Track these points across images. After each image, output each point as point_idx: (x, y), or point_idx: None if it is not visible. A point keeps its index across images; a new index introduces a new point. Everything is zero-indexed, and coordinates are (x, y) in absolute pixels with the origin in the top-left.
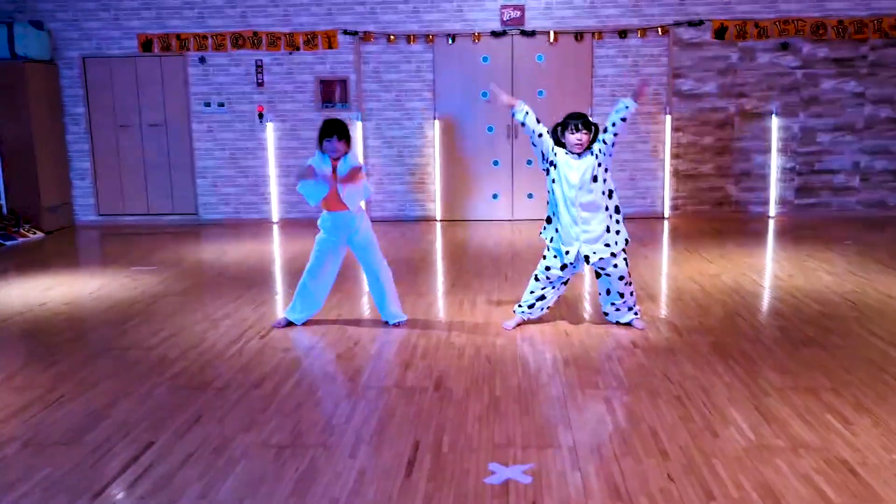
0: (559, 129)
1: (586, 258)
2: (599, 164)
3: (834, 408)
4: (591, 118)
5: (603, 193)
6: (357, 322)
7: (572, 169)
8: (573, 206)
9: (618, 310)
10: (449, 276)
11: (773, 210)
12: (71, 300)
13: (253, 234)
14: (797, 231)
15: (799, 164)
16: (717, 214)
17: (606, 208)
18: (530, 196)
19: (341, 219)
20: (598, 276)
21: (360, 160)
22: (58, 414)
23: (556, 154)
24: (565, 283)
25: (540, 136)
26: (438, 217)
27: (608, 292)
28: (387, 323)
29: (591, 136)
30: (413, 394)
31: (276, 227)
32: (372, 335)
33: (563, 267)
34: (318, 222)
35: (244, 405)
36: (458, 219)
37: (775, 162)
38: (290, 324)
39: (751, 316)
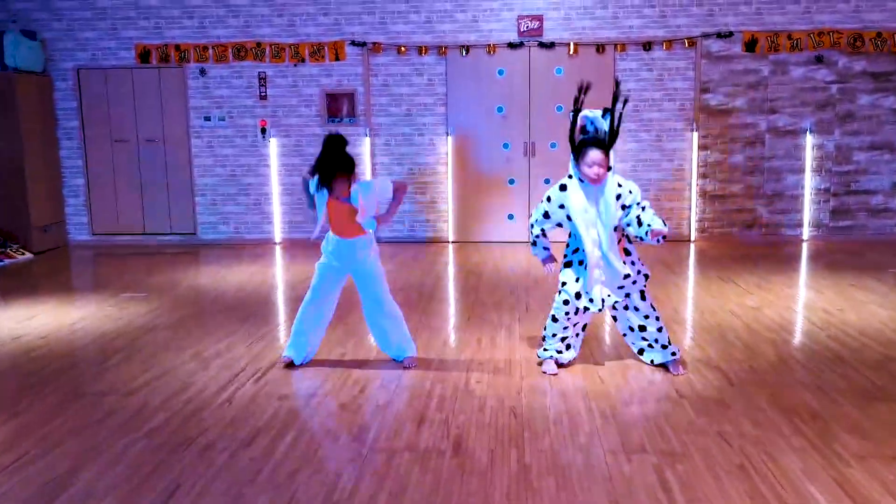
0: (575, 154)
1: (602, 302)
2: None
3: None
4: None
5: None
6: (363, 363)
7: (585, 197)
8: (595, 246)
9: (650, 346)
10: (464, 308)
11: (806, 233)
12: (50, 332)
13: (254, 256)
14: (834, 256)
15: (834, 185)
16: (747, 238)
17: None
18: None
19: (348, 247)
20: (614, 318)
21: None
22: (12, 481)
23: (564, 195)
24: (585, 326)
25: (549, 227)
26: (451, 238)
27: (631, 329)
28: (396, 361)
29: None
30: (428, 458)
31: (278, 248)
32: (380, 380)
33: (579, 299)
34: (322, 245)
35: (231, 470)
36: (471, 240)
37: (809, 182)
38: (291, 363)
39: (807, 360)
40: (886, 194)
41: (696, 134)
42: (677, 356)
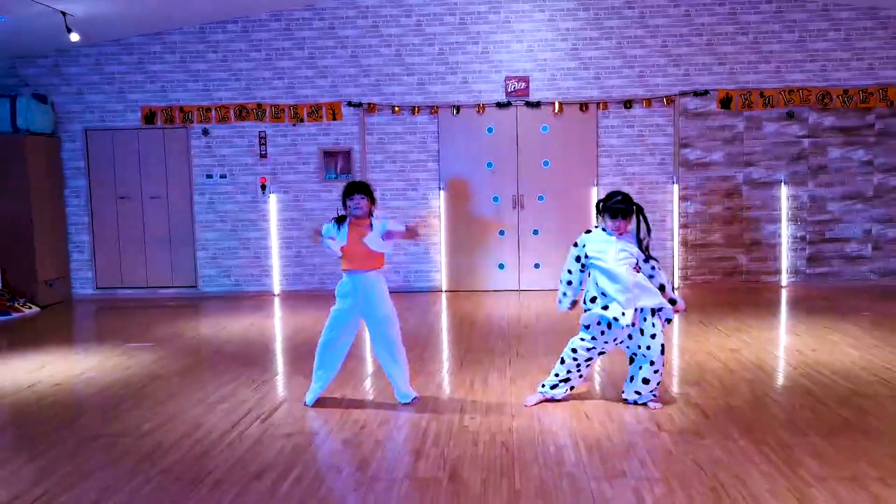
0: (601, 207)
1: (641, 310)
2: (637, 264)
3: (884, 501)
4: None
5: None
6: (362, 404)
7: (610, 246)
8: (622, 275)
9: (638, 393)
10: (457, 353)
11: (784, 279)
12: (61, 381)
13: (254, 308)
14: (811, 301)
15: (810, 233)
16: (728, 285)
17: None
18: (537, 266)
19: (361, 281)
20: (630, 360)
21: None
22: None
23: (585, 245)
24: (588, 365)
25: (574, 278)
26: (444, 288)
27: (632, 379)
28: (398, 402)
29: (632, 221)
30: (426, 487)
31: (277, 300)
32: (379, 418)
33: (592, 348)
34: (336, 289)
35: (242, 503)
36: (464, 289)
37: (785, 231)
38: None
39: (780, 396)
40: (859, 242)
41: (676, 186)
42: (656, 396)
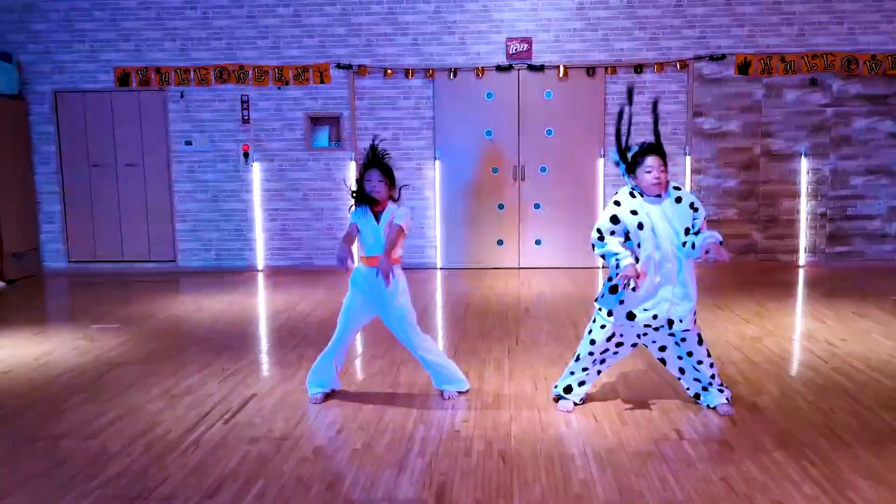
0: (630, 163)
1: (670, 322)
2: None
3: None
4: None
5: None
6: (342, 399)
7: (661, 218)
8: (667, 262)
9: (705, 389)
10: (451, 339)
11: (802, 259)
12: (12, 367)
13: (235, 284)
14: (832, 282)
15: (830, 210)
16: (743, 264)
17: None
18: (538, 242)
19: (370, 273)
20: (662, 362)
21: (406, 217)
22: None
23: (637, 212)
24: (607, 360)
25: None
26: (439, 265)
27: (682, 371)
28: (442, 394)
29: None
30: None
31: (260, 276)
32: (359, 420)
33: (616, 343)
34: (350, 279)
35: None
36: (460, 266)
37: (805, 207)
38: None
39: (813, 396)
40: (884, 219)
41: (688, 158)
42: (728, 400)
